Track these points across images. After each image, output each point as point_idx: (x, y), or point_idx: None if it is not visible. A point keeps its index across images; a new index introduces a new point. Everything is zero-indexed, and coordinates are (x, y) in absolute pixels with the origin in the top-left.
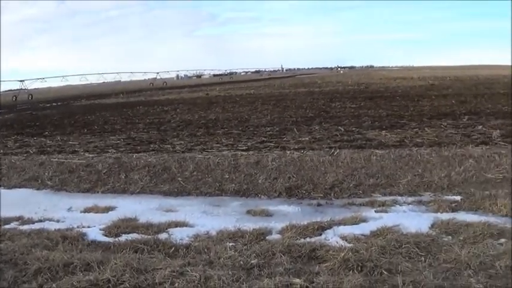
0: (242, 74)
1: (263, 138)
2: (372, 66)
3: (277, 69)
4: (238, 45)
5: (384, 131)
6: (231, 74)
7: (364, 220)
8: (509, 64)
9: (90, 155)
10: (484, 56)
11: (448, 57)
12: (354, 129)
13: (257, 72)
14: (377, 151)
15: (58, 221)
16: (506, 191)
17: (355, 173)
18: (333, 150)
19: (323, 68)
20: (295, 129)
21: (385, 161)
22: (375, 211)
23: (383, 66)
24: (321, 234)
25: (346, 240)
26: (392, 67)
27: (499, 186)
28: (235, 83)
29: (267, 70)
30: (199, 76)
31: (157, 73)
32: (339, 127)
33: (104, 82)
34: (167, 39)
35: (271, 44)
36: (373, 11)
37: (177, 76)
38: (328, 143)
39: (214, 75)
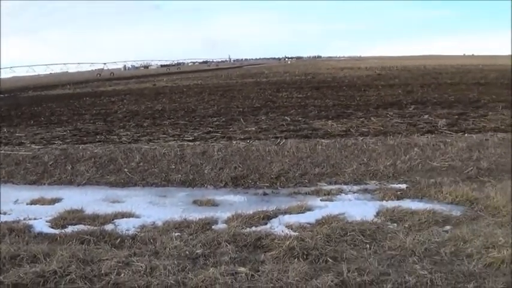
0: (190, 64)
1: (209, 129)
2: (319, 57)
3: (225, 59)
4: (184, 35)
5: (330, 121)
6: (178, 64)
7: (309, 209)
8: (457, 54)
9: (37, 147)
10: (433, 46)
11: (397, 48)
12: (300, 119)
13: (205, 62)
14: (323, 140)
15: (5, 214)
16: (452, 178)
17: (300, 162)
18: (279, 140)
19: (271, 58)
20: (241, 119)
21: (330, 150)
22: (321, 200)
23: (330, 57)
24: (266, 223)
25: (291, 229)
26: (339, 57)
27: (444, 174)
28: (183, 73)
29: (214, 61)
30: (146, 67)
31: (105, 64)
32: (286, 117)
33: (51, 73)
34: (114, 30)
35: (218, 34)
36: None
37: (124, 67)
38: (275, 132)
39: (162, 66)
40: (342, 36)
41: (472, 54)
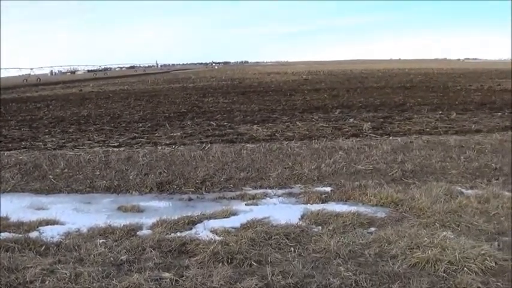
0: (117, 69)
1: (135, 134)
2: (246, 62)
3: (152, 65)
4: (114, 40)
5: (255, 126)
6: (105, 69)
7: (234, 213)
8: (384, 58)
9: None
10: (361, 50)
11: (325, 52)
12: (225, 124)
13: (132, 68)
14: (248, 145)
15: None
16: (376, 181)
17: (226, 167)
18: (204, 145)
19: (198, 63)
20: (167, 124)
21: (255, 155)
22: (246, 204)
23: (258, 62)
24: (191, 229)
25: (216, 234)
26: (266, 62)
27: (369, 177)
28: (110, 78)
29: (141, 66)
30: (73, 72)
31: (31, 69)
32: (211, 122)
33: None
34: (42, 34)
35: (146, 39)
36: (250, 5)
37: (51, 72)
38: (200, 138)
39: (89, 71)
40: (270, 41)
41: (399, 59)
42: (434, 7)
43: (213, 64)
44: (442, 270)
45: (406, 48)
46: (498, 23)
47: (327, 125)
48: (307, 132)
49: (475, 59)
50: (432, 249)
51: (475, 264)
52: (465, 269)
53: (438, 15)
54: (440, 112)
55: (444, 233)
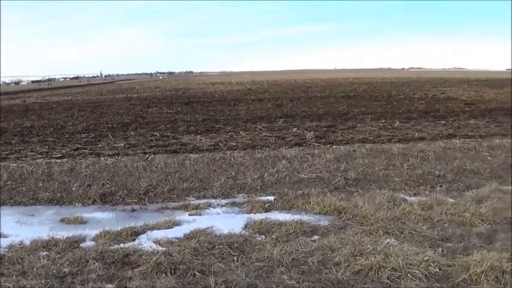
0: (61, 80)
1: (78, 145)
2: (191, 72)
3: (96, 75)
4: (58, 51)
5: (199, 136)
6: (49, 80)
7: (178, 224)
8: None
9: None
10: (305, 60)
11: (270, 62)
12: (169, 134)
13: (76, 78)
14: (191, 155)
15: None
16: (320, 189)
17: (169, 177)
18: (147, 156)
19: (143, 74)
20: (110, 135)
21: (199, 165)
22: (189, 214)
23: (202, 72)
24: (134, 240)
25: (159, 244)
26: (211, 72)
27: (312, 186)
28: (54, 89)
29: (86, 76)
30: (17, 83)
31: None
32: (155, 132)
33: None
34: None
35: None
36: (195, 16)
37: None
38: (143, 148)
39: (33, 82)
40: (214, 52)
41: (343, 68)
42: (377, 18)
43: (158, 74)
44: (385, 276)
45: (350, 58)
46: (444, 32)
47: (271, 135)
48: (251, 142)
49: (420, 68)
50: (375, 256)
51: (419, 270)
52: (409, 275)
53: (383, 24)
54: (383, 121)
55: (387, 240)
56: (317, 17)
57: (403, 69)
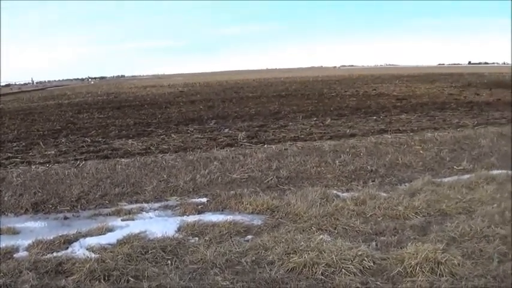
0: None
1: (9, 154)
2: (123, 76)
3: (27, 82)
4: None
5: (130, 140)
6: None
7: (110, 229)
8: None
9: None
10: (240, 62)
11: (202, 64)
12: (100, 139)
13: (7, 86)
14: (123, 160)
15: None
16: (252, 189)
17: (100, 183)
18: (78, 162)
19: (74, 79)
20: (41, 143)
21: (130, 169)
22: (122, 220)
23: (134, 76)
24: (68, 248)
25: (93, 251)
26: (143, 76)
27: (244, 185)
28: None
29: (17, 84)
30: None
31: None
32: (86, 138)
33: None
34: None
35: (21, 57)
36: (126, 20)
37: None
38: (75, 155)
39: None
40: (146, 55)
41: (275, 68)
42: (309, 17)
43: (89, 79)
44: (319, 273)
45: (282, 58)
46: (376, 29)
47: (202, 136)
48: (182, 144)
49: (351, 65)
50: (309, 253)
51: (353, 265)
52: (343, 270)
53: (315, 24)
54: (315, 118)
55: (321, 236)
56: (249, 17)
57: (335, 67)
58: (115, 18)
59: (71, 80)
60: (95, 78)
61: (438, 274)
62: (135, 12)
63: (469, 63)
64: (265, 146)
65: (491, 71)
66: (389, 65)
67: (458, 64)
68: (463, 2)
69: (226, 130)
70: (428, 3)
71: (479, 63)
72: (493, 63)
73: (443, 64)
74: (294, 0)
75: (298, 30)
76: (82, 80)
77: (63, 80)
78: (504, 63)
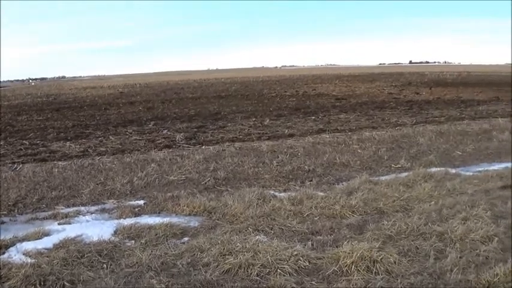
0: None
1: None
2: (64, 77)
3: None
4: None
5: (68, 142)
6: None
7: (47, 234)
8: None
9: None
10: (181, 62)
11: (143, 65)
12: (38, 142)
13: None
14: (60, 163)
15: None
16: (189, 190)
17: (37, 187)
18: (15, 166)
19: (14, 80)
20: None
21: (67, 172)
22: (58, 223)
23: (75, 77)
24: (4, 253)
25: (29, 256)
26: (84, 77)
27: (181, 187)
28: None
29: None
30: None
31: None
32: (24, 141)
33: None
34: None
35: None
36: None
37: None
38: (12, 158)
39: None
40: (87, 56)
41: (216, 68)
42: (251, 18)
43: (30, 80)
44: (255, 274)
45: (223, 59)
46: (317, 30)
47: (141, 138)
48: (120, 146)
49: (293, 66)
50: (245, 254)
51: (288, 265)
52: (278, 270)
53: (257, 24)
54: (254, 119)
55: (257, 237)
56: (192, 18)
57: (276, 67)
58: (55, 19)
59: (12, 81)
60: (36, 79)
61: (374, 272)
62: (76, 13)
63: (410, 62)
64: (204, 147)
65: (431, 70)
66: (331, 65)
67: (400, 63)
68: (406, 2)
69: (165, 131)
70: (370, 3)
71: (421, 63)
72: (434, 62)
73: (384, 64)
74: (236, 0)
75: (241, 31)
76: (23, 81)
77: (3, 81)
78: (445, 62)
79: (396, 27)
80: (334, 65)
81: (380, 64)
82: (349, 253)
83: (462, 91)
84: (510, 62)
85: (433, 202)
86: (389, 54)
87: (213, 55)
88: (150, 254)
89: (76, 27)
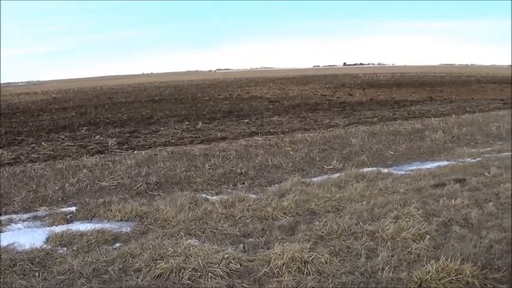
0: None
1: None
2: None
3: None
4: None
5: (0, 149)
6: None
7: None
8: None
9: None
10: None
11: (78, 70)
12: None
13: None
14: None
15: None
16: (121, 196)
17: None
18: None
19: None
20: None
21: None
22: None
23: (9, 82)
24: None
25: None
26: (18, 83)
27: (113, 193)
28: None
29: None
30: None
31: None
32: None
33: None
34: None
35: None
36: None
37: None
38: None
39: None
40: (21, 62)
41: (151, 72)
42: (186, 22)
43: None
44: (186, 278)
45: (157, 63)
46: (253, 32)
47: (73, 144)
48: (52, 153)
49: (227, 69)
50: (176, 258)
51: (220, 268)
52: (210, 274)
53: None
54: (187, 123)
55: (189, 241)
56: (127, 22)
57: (210, 71)
58: None
59: None
60: None
61: (305, 273)
62: (9, 16)
63: (344, 64)
64: (136, 152)
65: (365, 72)
66: (265, 68)
67: (334, 66)
68: (339, 2)
69: (98, 137)
70: (304, 3)
71: (355, 64)
72: (368, 64)
73: (318, 66)
74: (171, 0)
75: (174, 36)
76: None
77: None
78: (379, 64)
79: (329, 28)
80: (268, 67)
81: (314, 66)
82: (280, 254)
83: (396, 92)
84: (444, 63)
85: (364, 202)
86: (324, 56)
87: (147, 59)
88: (82, 261)
89: (9, 31)
